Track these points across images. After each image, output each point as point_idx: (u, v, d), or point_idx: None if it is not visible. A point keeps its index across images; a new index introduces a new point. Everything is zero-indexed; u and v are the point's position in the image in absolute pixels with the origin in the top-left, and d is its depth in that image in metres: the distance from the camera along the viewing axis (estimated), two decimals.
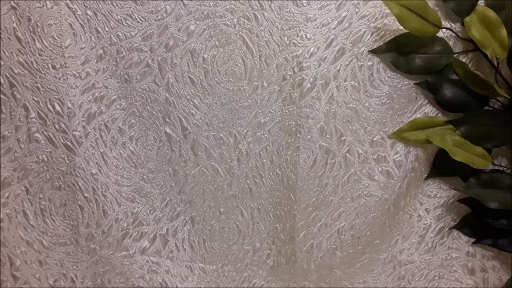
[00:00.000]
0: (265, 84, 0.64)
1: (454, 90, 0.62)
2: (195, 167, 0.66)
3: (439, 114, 0.65)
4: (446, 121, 0.62)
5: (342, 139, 0.65)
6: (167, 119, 0.63)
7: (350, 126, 0.65)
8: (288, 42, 0.62)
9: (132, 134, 0.64)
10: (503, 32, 0.56)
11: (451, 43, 0.62)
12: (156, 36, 0.61)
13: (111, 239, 0.65)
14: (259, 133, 0.65)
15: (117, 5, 0.60)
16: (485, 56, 0.61)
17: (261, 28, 0.62)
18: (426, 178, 0.67)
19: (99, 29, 0.61)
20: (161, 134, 0.64)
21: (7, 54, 0.60)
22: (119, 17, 0.61)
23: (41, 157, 0.63)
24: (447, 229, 0.68)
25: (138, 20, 0.61)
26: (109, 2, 0.60)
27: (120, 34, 0.61)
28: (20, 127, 0.63)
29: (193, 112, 0.64)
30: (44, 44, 0.60)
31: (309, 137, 0.65)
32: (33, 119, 0.62)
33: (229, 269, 0.70)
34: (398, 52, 0.62)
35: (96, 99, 0.62)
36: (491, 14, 0.57)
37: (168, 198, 0.66)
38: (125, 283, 0.67)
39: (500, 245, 0.65)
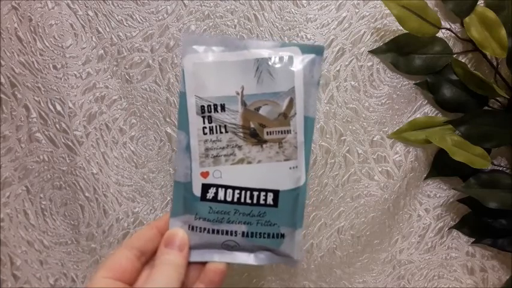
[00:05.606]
0: None
1: (454, 90, 0.62)
2: None
3: (438, 114, 0.65)
4: (445, 121, 0.62)
5: (342, 139, 0.65)
6: (168, 119, 0.63)
7: (350, 126, 0.65)
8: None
9: (133, 133, 0.64)
10: (503, 32, 0.57)
11: (450, 43, 0.62)
12: (156, 37, 0.61)
13: (111, 239, 0.65)
14: None
15: (118, 6, 0.61)
16: (485, 56, 0.61)
17: (261, 28, 0.62)
18: (426, 178, 0.67)
19: (100, 29, 0.61)
20: (162, 133, 0.64)
21: (8, 54, 0.60)
22: (120, 17, 0.61)
23: (41, 157, 0.63)
24: (447, 229, 0.68)
25: (139, 20, 0.61)
26: (110, 2, 0.61)
27: (121, 34, 0.61)
28: (21, 127, 0.63)
29: None
30: (45, 44, 0.60)
31: None
32: (34, 119, 0.62)
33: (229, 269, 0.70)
34: (398, 52, 0.62)
35: (97, 99, 0.62)
36: (491, 14, 0.57)
37: (169, 198, 0.66)
38: None
39: (500, 244, 0.65)
